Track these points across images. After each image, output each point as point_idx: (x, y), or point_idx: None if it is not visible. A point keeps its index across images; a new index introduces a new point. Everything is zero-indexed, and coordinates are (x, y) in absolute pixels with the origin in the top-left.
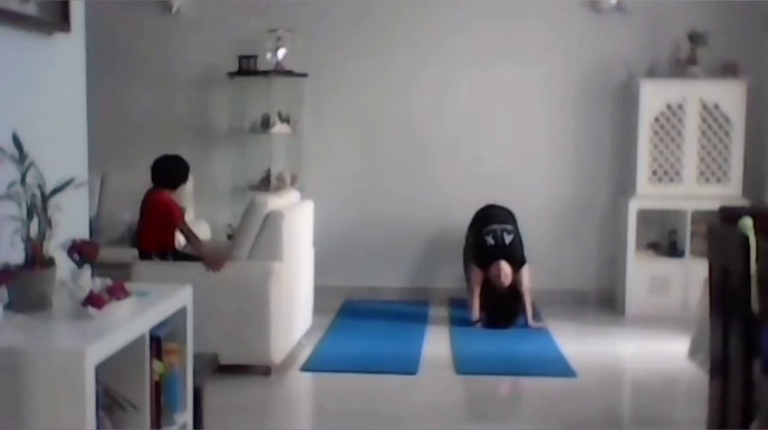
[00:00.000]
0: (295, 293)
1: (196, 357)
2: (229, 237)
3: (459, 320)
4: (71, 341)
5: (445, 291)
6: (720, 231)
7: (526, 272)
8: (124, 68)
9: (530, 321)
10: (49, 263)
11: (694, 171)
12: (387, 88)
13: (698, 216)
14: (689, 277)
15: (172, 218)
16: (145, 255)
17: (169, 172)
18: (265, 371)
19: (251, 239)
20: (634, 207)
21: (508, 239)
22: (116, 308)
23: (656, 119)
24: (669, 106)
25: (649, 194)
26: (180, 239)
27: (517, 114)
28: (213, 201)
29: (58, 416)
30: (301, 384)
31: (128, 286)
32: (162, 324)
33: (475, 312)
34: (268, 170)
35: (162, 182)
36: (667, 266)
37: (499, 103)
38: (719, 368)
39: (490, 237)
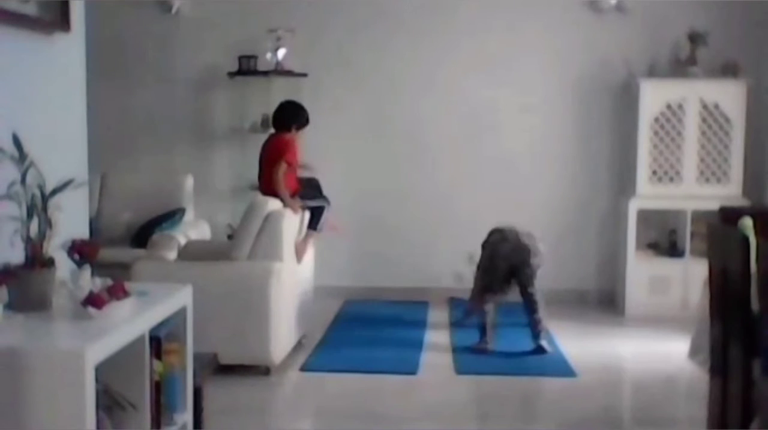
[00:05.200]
0: (295, 293)
1: (196, 357)
2: (229, 237)
3: (459, 320)
4: (71, 341)
5: (445, 291)
6: (720, 231)
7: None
8: (124, 68)
9: (543, 343)
10: (49, 263)
11: (694, 171)
12: (387, 89)
13: (698, 216)
14: (689, 277)
15: (281, 156)
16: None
17: (285, 115)
18: (265, 371)
19: (251, 239)
20: (634, 207)
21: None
22: (116, 308)
23: (656, 119)
24: (669, 106)
25: (649, 194)
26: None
27: (517, 114)
28: (213, 201)
29: (58, 416)
30: (301, 384)
31: (128, 286)
32: (162, 324)
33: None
34: None
35: (278, 126)
36: (667, 266)
37: (499, 103)
38: (719, 368)
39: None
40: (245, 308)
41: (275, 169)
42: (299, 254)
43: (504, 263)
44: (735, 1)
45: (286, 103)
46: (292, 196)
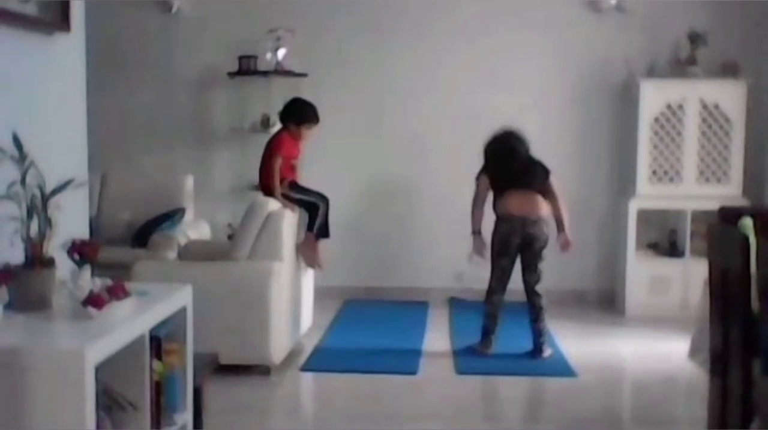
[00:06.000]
0: (295, 293)
1: (196, 357)
2: (230, 237)
3: (459, 320)
4: (71, 341)
5: (445, 291)
6: (720, 231)
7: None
8: (124, 68)
9: (545, 356)
10: (49, 263)
11: (694, 171)
12: (387, 89)
13: (698, 216)
14: (689, 277)
15: (270, 150)
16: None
17: (287, 110)
18: (265, 371)
19: (251, 239)
20: (634, 207)
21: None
22: (116, 308)
23: (656, 119)
24: (669, 106)
25: (649, 194)
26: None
27: (517, 114)
28: (213, 201)
29: (58, 416)
30: (301, 384)
31: (128, 286)
32: (162, 324)
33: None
34: None
35: (282, 121)
36: (667, 266)
37: (499, 103)
38: (719, 368)
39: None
40: (245, 308)
41: (270, 162)
42: (305, 259)
43: (514, 250)
44: (735, 1)
45: (291, 100)
46: (282, 181)
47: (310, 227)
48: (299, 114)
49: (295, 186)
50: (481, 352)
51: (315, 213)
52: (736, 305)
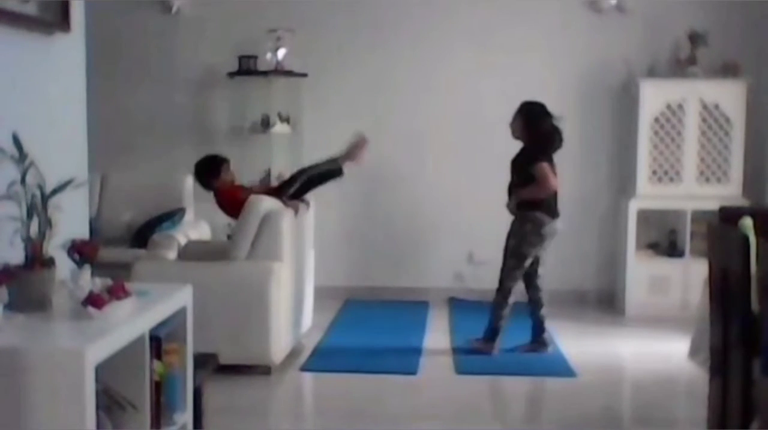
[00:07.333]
0: (295, 293)
1: (196, 357)
2: (229, 237)
3: (459, 320)
4: (71, 341)
5: (445, 291)
6: (720, 231)
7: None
8: (124, 68)
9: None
10: (49, 263)
11: (694, 171)
12: (387, 88)
13: (698, 216)
14: (689, 277)
15: (238, 204)
16: None
17: (201, 178)
18: (265, 371)
19: (250, 238)
20: (634, 207)
21: None
22: (116, 308)
23: (656, 119)
24: (669, 106)
25: (649, 194)
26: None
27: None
28: (213, 201)
29: (58, 416)
30: (301, 384)
31: (128, 286)
32: (162, 324)
33: None
34: (268, 170)
35: (207, 187)
36: (667, 266)
37: (499, 103)
38: (719, 368)
39: None
40: (245, 308)
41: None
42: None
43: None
44: (735, 1)
45: (194, 168)
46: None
47: (333, 172)
48: (209, 170)
49: (279, 191)
50: (487, 352)
51: (320, 179)
52: (736, 305)
